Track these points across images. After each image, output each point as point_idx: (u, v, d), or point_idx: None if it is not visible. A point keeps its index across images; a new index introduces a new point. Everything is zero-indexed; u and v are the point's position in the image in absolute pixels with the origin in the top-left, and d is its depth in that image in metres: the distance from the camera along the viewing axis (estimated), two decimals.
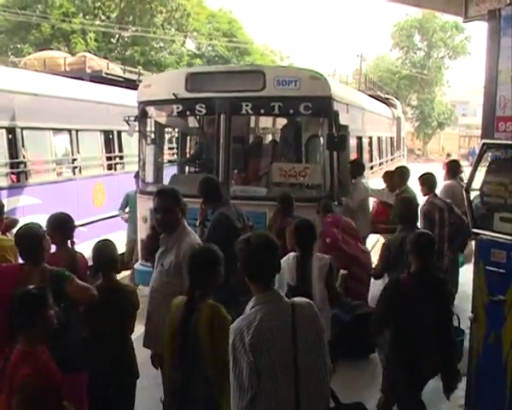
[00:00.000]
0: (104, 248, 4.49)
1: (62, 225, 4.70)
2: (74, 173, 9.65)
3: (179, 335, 3.54)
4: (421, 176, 7.44)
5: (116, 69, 14.03)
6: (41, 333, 3.23)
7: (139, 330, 4.59)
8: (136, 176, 8.71)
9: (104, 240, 4.63)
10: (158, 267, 4.53)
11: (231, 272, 5.32)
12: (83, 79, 11.07)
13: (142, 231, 8.03)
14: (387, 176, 8.65)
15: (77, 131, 9.60)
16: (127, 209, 9.21)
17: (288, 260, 4.99)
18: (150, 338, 4.50)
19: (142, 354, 4.59)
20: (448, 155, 25.19)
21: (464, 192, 5.12)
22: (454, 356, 4.67)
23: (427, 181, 7.26)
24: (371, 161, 11.15)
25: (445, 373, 4.58)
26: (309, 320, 2.92)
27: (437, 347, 4.45)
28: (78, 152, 9.68)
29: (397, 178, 8.12)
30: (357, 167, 8.40)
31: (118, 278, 4.72)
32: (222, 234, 5.32)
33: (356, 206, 8.03)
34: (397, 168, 8.72)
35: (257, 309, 2.85)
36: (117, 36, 35.86)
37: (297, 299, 3.01)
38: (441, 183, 8.47)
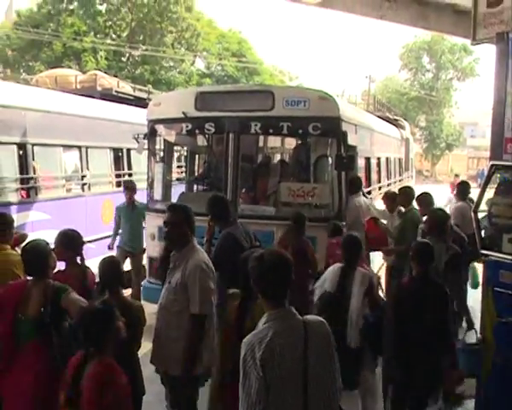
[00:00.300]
0: (110, 265, 4.51)
1: (71, 242, 4.76)
2: (83, 190, 9.70)
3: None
4: (418, 196, 7.76)
5: (126, 87, 14.16)
6: (112, 344, 3.45)
7: (146, 346, 4.60)
8: (126, 189, 8.99)
9: (110, 256, 4.66)
10: (166, 284, 4.55)
11: None
12: (93, 97, 11.16)
13: (150, 249, 8.06)
14: (387, 197, 8.60)
15: (87, 148, 9.67)
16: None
17: (333, 269, 5.45)
18: (157, 355, 4.51)
19: (148, 370, 4.60)
20: (456, 175, 25.09)
21: (472, 213, 5.12)
22: (454, 355, 4.91)
23: (424, 201, 7.62)
24: (379, 181, 11.15)
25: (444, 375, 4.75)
26: (320, 338, 2.93)
27: (436, 348, 4.65)
28: (88, 169, 9.74)
29: (402, 197, 8.11)
30: (352, 185, 7.88)
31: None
32: (228, 253, 5.34)
33: (350, 224, 7.85)
34: (401, 189, 8.71)
35: (269, 325, 2.87)
36: (127, 55, 36.28)
37: (309, 317, 3.03)
38: (441, 202, 8.55)
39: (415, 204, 7.84)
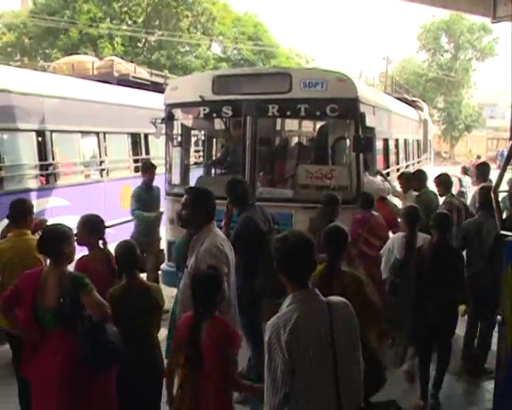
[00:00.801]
0: (126, 249, 4.50)
1: (94, 227, 4.80)
2: (102, 175, 9.78)
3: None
4: (436, 177, 7.87)
5: (143, 73, 14.16)
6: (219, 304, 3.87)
7: (163, 332, 4.62)
8: (143, 170, 8.62)
9: (125, 241, 4.66)
10: (185, 269, 4.55)
11: (255, 276, 5.35)
12: (110, 83, 11.21)
13: (169, 233, 8.08)
14: (401, 177, 8.52)
15: (104, 133, 9.73)
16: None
17: (397, 238, 6.31)
18: None
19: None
20: (478, 156, 24.67)
21: (492, 194, 5.06)
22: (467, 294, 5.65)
23: (443, 182, 7.76)
24: (397, 163, 11.06)
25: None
26: (345, 319, 2.94)
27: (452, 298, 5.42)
28: (106, 154, 9.81)
29: (414, 181, 8.09)
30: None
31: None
32: (247, 237, 5.35)
33: None
34: (415, 172, 8.67)
35: (294, 307, 2.86)
36: (143, 40, 36.26)
37: (333, 298, 3.01)
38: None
39: (431, 186, 7.83)
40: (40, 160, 8.24)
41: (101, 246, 4.85)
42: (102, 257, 4.73)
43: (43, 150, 8.26)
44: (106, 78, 11.57)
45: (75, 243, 4.34)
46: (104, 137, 9.74)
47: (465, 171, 15.82)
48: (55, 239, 4.10)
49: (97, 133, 9.62)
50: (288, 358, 2.75)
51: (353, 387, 2.90)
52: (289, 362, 2.75)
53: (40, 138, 8.23)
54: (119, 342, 3.96)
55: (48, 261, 4.30)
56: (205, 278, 3.87)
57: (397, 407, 3.42)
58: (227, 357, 3.70)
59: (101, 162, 9.77)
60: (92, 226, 4.79)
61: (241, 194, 5.77)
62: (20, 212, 5.13)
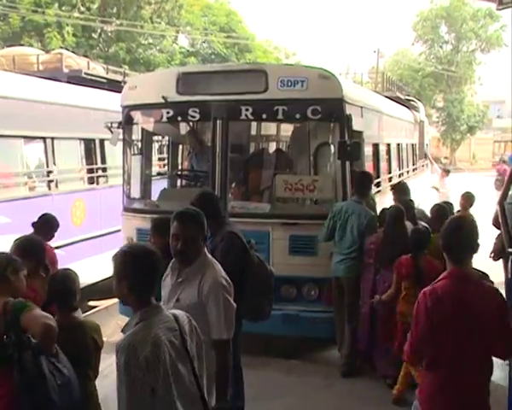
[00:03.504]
0: (63, 279, 4.36)
1: (30, 251, 4.63)
2: (50, 188, 9.69)
3: None
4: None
5: (98, 69, 14.12)
6: None
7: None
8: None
9: (65, 269, 4.54)
10: (171, 303, 4.18)
11: (241, 300, 5.34)
12: (59, 80, 11.13)
13: None
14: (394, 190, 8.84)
15: (52, 139, 9.65)
16: None
17: None
18: None
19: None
20: (503, 161, 24.35)
21: (497, 206, 5.15)
22: None
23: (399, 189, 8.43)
24: (389, 172, 11.19)
25: None
26: (189, 333, 3.38)
27: None
28: (55, 164, 9.73)
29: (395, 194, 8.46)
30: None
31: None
32: (236, 257, 5.30)
33: None
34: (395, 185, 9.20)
35: (145, 324, 3.18)
36: (99, 30, 36.10)
37: (175, 311, 3.46)
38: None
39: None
40: None
41: (43, 274, 4.67)
42: (40, 286, 4.52)
43: None
44: (54, 74, 11.47)
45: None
46: (52, 144, 9.65)
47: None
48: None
49: (44, 139, 9.53)
50: (147, 377, 3.05)
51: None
52: (150, 381, 3.06)
53: None
54: (74, 386, 3.81)
55: None
56: None
57: None
58: None
59: (49, 173, 9.68)
60: (28, 250, 4.59)
61: (215, 209, 5.59)
62: None
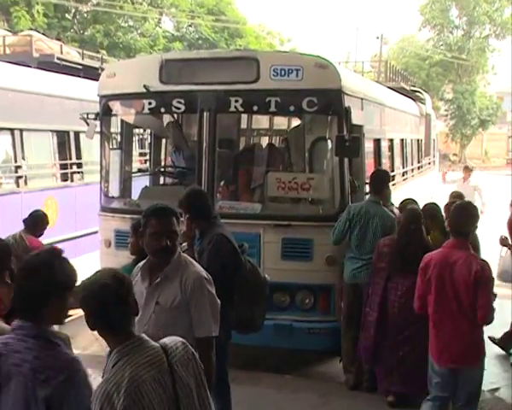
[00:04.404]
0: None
1: None
2: (18, 185, 9.71)
3: None
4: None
5: (72, 53, 14.12)
6: None
7: None
8: None
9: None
10: (150, 308, 4.27)
11: (231, 308, 5.41)
12: (29, 66, 11.11)
13: (104, 259, 8.09)
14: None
15: (21, 131, 9.66)
16: None
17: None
18: None
19: None
20: None
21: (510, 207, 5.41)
22: None
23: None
24: (392, 170, 11.24)
25: None
26: (185, 363, 3.10)
27: None
28: (24, 158, 9.75)
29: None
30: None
31: None
32: (226, 261, 5.34)
33: None
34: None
35: (123, 364, 2.95)
36: (73, 10, 35.97)
37: (166, 340, 3.16)
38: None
39: None
40: None
41: (8, 280, 4.56)
42: (5, 294, 4.35)
43: None
44: (22, 58, 11.42)
45: None
46: (21, 136, 9.66)
47: None
48: None
49: (11, 130, 9.53)
50: None
51: None
52: None
53: None
54: None
55: None
56: None
57: None
58: None
59: (18, 168, 9.71)
60: None
61: (206, 208, 5.69)
62: None
